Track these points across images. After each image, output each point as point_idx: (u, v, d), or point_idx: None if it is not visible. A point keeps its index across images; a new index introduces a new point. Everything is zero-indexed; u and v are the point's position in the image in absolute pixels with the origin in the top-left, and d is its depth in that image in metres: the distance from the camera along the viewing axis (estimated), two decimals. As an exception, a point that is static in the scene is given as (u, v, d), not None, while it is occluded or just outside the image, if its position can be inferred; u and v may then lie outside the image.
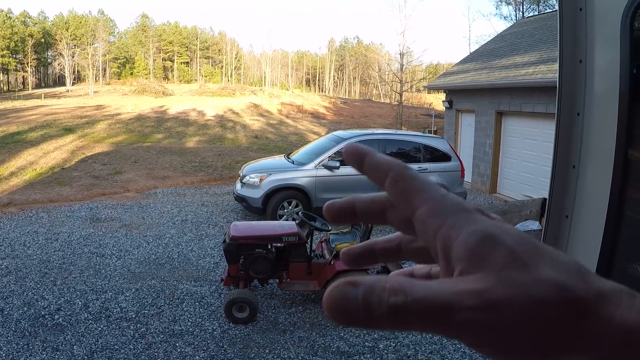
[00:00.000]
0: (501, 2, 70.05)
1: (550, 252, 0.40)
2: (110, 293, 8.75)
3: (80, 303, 8.32)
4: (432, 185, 0.46)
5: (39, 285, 9.02)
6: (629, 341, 0.37)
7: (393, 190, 0.49)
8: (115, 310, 8.10)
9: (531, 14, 49.69)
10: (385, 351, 7.36)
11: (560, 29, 1.91)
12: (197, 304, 8.42)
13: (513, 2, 67.99)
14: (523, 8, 65.24)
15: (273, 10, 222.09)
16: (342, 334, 7.61)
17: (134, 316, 7.94)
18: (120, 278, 9.46)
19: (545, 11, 42.34)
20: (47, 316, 7.84)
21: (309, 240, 8.10)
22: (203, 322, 7.80)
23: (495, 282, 0.37)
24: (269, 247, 8.03)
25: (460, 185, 14.34)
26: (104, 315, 7.92)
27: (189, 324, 7.75)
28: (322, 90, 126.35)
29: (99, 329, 7.51)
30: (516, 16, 64.32)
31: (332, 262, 7.98)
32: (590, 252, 1.95)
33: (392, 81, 55.46)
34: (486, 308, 0.36)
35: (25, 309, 8.09)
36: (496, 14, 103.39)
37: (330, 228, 8.41)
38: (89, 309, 8.11)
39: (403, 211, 0.48)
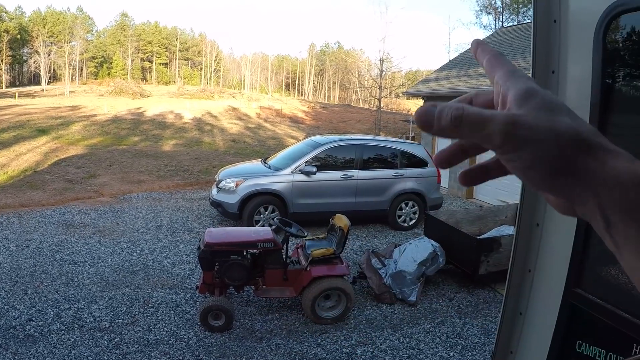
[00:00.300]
0: (481, 11, 71.06)
1: (571, 113, 0.53)
2: (83, 302, 8.62)
3: (52, 313, 8.18)
4: (507, 63, 0.61)
5: (9, 295, 8.85)
6: (615, 183, 0.49)
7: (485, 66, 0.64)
8: (88, 320, 7.98)
9: (510, 24, 50.29)
10: (363, 357, 7.37)
11: (534, 40, 1.96)
12: (172, 312, 8.34)
13: (493, 12, 68.96)
14: (503, 18, 66.26)
15: (255, 13, 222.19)
16: (319, 341, 7.62)
17: (107, 326, 7.82)
18: (93, 286, 9.33)
19: (525, 21, 43.09)
20: (18, 327, 7.68)
21: (284, 247, 8.05)
22: (178, 331, 7.72)
23: (529, 113, 0.52)
24: (245, 253, 7.95)
25: (437, 190, 14.42)
26: (77, 326, 7.79)
27: (164, 333, 7.67)
28: (302, 95, 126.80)
29: (72, 339, 7.39)
30: (496, 26, 65.38)
31: (308, 268, 7.94)
32: (560, 261, 2.01)
33: (372, 87, 55.62)
34: (518, 125, 0.51)
35: (-5, 319, 7.96)
36: (476, 23, 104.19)
37: (306, 234, 8.41)
38: (62, 319, 7.97)
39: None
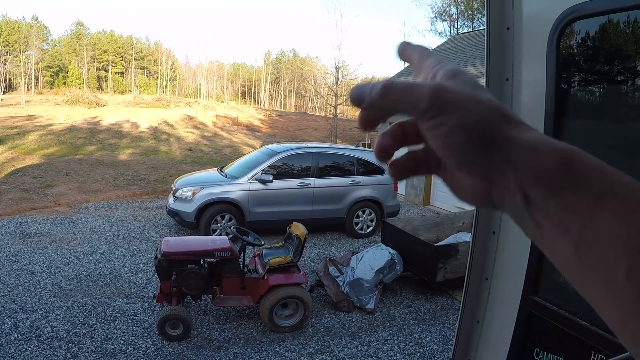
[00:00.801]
0: (436, 18, 70.88)
1: (491, 96, 0.55)
2: (41, 312, 8.55)
3: (9, 322, 8.11)
4: (436, 55, 0.63)
5: (-35, 305, 8.76)
6: (534, 150, 0.50)
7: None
8: (46, 330, 7.93)
9: (465, 31, 50.48)
10: (321, 365, 7.40)
11: (488, 47, 1.94)
12: (129, 321, 8.31)
13: (448, 19, 68.87)
14: (457, 24, 66.15)
15: (210, 21, 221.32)
16: (277, 349, 7.64)
17: (65, 335, 7.78)
18: (50, 296, 9.25)
19: (479, 28, 43.08)
20: (-26, 337, 7.62)
21: (242, 255, 8.05)
22: (136, 340, 7.70)
23: (455, 84, 0.54)
24: (202, 262, 7.97)
25: (393, 197, 14.51)
26: (34, 335, 7.74)
27: (122, 342, 7.65)
28: (258, 103, 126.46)
29: (30, 349, 7.34)
30: (450, 32, 65.14)
31: (265, 277, 7.97)
32: (517, 268, 2.00)
33: (328, 94, 55.77)
34: (444, 89, 0.52)
35: (-50, 329, 7.86)
36: (431, 29, 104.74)
37: (262, 243, 8.45)
38: (19, 329, 7.91)
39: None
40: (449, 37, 48.89)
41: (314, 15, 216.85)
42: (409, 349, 7.95)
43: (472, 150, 0.52)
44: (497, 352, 2.11)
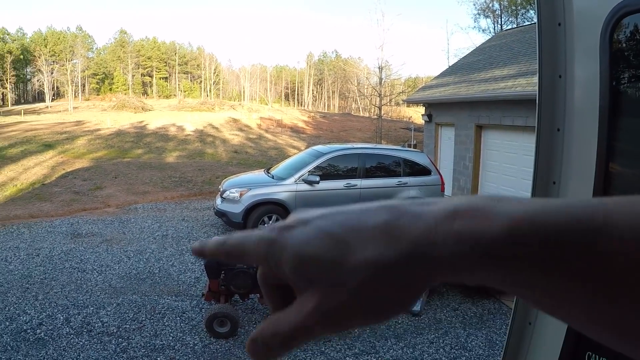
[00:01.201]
0: (479, 15, 70.13)
1: (354, 231, 0.46)
2: (92, 308, 8.73)
3: (62, 318, 8.29)
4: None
5: (20, 300, 8.99)
6: (454, 270, 0.42)
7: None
8: (96, 325, 8.08)
9: (509, 27, 49.53)
10: (366, 365, 7.40)
11: (540, 44, 1.90)
12: (178, 318, 8.41)
13: (491, 15, 67.68)
14: (501, 21, 64.92)
15: (252, 25, 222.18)
16: (322, 349, 7.62)
17: (115, 331, 7.92)
18: (101, 293, 9.43)
19: (524, 24, 42.26)
20: (29, 331, 7.82)
21: (290, 255, 8.05)
22: (184, 337, 7.79)
23: (323, 294, 0.45)
24: (250, 261, 7.97)
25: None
26: (85, 330, 7.90)
27: (170, 338, 7.75)
28: (301, 105, 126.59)
29: (81, 343, 7.49)
30: (494, 29, 63.82)
31: (313, 277, 7.95)
32: None
33: (371, 95, 55.42)
34: (330, 316, 0.45)
35: (7, 323, 8.07)
36: (474, 27, 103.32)
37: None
38: (71, 324, 8.09)
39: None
40: (493, 34, 48.18)
41: (355, 16, 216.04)
42: (454, 353, 7.85)
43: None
44: (549, 354, 2.05)
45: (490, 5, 67.23)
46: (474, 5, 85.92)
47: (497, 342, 8.06)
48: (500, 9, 65.96)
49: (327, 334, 0.48)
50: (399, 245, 0.43)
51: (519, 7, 61.54)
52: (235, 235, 0.53)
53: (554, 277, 0.40)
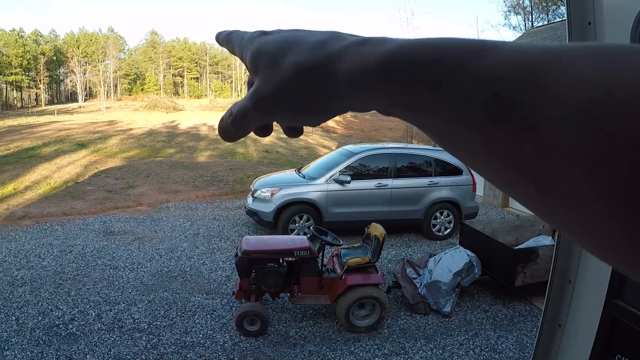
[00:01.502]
0: (510, 12, 69.19)
1: (299, 42, 0.55)
2: (123, 304, 8.84)
3: (93, 314, 8.42)
4: (239, 34, 0.68)
5: (53, 296, 9.14)
6: (352, 83, 0.48)
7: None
8: (128, 321, 8.19)
9: (540, 24, 48.99)
10: (394, 366, 7.39)
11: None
12: (208, 316, 8.48)
13: (522, 12, 67.05)
14: (532, 18, 64.35)
15: (282, 24, 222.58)
16: (352, 349, 7.64)
17: (146, 327, 8.02)
18: (133, 290, 9.53)
19: (555, 20, 41.80)
20: (61, 325, 7.95)
21: (320, 255, 8.09)
22: (214, 335, 7.85)
23: (262, 81, 0.56)
24: (281, 261, 8.00)
25: (472, 199, 14.21)
26: (117, 326, 8.01)
27: (201, 336, 7.81)
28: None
29: (112, 339, 7.60)
30: (525, 26, 63.46)
31: (343, 277, 7.96)
32: (601, 271, 1.94)
33: (404, 95, 55.31)
34: (261, 100, 0.56)
35: (40, 318, 8.22)
36: (505, 24, 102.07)
37: (341, 243, 8.39)
38: (102, 320, 8.21)
39: None
40: (523, 31, 47.70)
41: (384, 15, 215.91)
42: (484, 355, 7.80)
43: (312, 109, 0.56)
44: (578, 356, 2.05)
45: (521, 2, 66.62)
46: (504, 2, 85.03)
47: (528, 344, 8.00)
48: (531, 6, 65.22)
49: (258, 119, 0.59)
50: (319, 55, 0.52)
51: (550, 4, 60.77)
52: (237, 31, 0.69)
53: (437, 98, 0.42)
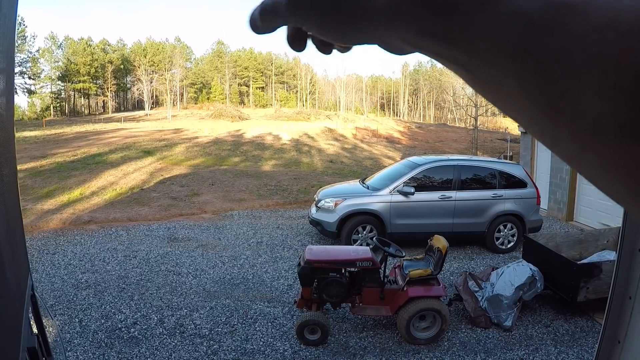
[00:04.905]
0: None
1: None
2: (185, 310, 8.95)
3: (155, 318, 8.55)
4: None
5: (116, 300, 9.32)
6: (397, 12, 0.45)
7: None
8: (189, 327, 8.29)
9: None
10: (456, 378, 7.33)
11: None
12: (269, 324, 8.52)
13: None
14: None
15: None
16: (412, 360, 7.59)
17: (207, 333, 8.10)
18: (195, 296, 9.65)
19: None
20: (123, 329, 8.10)
21: (382, 266, 8.04)
22: (275, 342, 7.88)
23: None
24: (343, 271, 7.99)
25: (536, 212, 14.01)
26: (178, 331, 8.11)
27: (261, 343, 7.84)
28: (397, 115, 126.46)
29: (173, 343, 7.70)
30: None
31: (405, 288, 7.91)
32: None
33: (467, 105, 54.95)
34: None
35: (103, 321, 8.38)
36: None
37: (404, 254, 8.35)
38: (164, 324, 8.33)
39: None
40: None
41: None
42: (545, 370, 7.70)
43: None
44: None
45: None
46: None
47: (589, 360, 7.85)
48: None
49: (285, 14, 0.55)
50: None
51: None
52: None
53: (471, 27, 0.41)
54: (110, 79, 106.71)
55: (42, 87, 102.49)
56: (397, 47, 0.50)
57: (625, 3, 0.33)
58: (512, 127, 54.41)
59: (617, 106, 0.32)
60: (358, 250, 8.49)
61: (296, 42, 0.61)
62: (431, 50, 0.46)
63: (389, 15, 0.46)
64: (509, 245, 13.64)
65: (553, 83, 0.36)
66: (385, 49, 0.52)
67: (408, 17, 0.44)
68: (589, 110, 0.34)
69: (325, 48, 0.62)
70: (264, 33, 0.62)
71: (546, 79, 0.36)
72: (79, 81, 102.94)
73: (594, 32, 0.33)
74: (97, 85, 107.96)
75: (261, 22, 0.59)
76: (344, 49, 0.62)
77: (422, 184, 13.36)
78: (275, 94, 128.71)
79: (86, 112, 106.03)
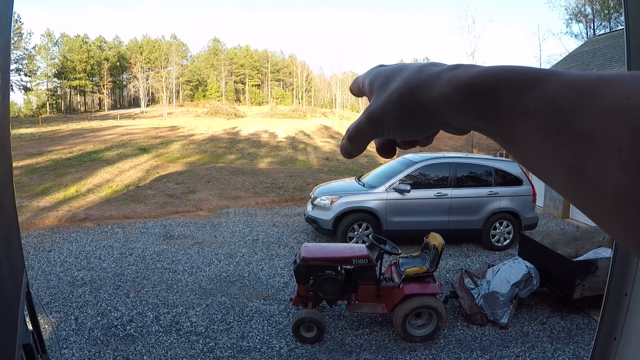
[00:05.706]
0: (571, 19, 67.94)
1: (407, 68, 0.67)
2: (181, 307, 8.97)
3: (151, 316, 8.57)
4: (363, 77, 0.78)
5: (112, 297, 9.33)
6: (446, 98, 0.58)
7: None
8: (185, 324, 8.31)
9: (602, 32, 48.01)
10: (452, 377, 7.34)
11: (628, 50, 1.82)
12: (265, 321, 8.53)
13: (584, 20, 65.65)
14: (594, 25, 63.07)
15: (343, 32, 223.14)
16: (407, 358, 7.60)
17: (203, 331, 8.11)
18: (191, 293, 9.66)
19: (617, 28, 40.98)
20: (119, 326, 8.12)
21: (378, 263, 8.06)
22: (271, 340, 7.89)
23: (374, 99, 0.68)
24: (339, 269, 8.00)
25: (532, 209, 14.02)
26: (174, 329, 8.13)
27: (257, 341, 7.86)
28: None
29: (169, 341, 7.72)
30: (587, 34, 62.10)
31: (400, 286, 7.93)
32: None
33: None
34: (372, 113, 0.67)
35: (99, 318, 8.40)
36: (567, 32, 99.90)
37: (400, 252, 8.34)
38: (160, 322, 8.35)
39: None
40: (585, 39, 46.84)
41: (446, 23, 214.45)
42: (540, 368, 7.72)
43: (420, 127, 0.65)
44: None
45: (583, 9, 65.38)
46: (566, 10, 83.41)
47: (585, 358, 7.84)
48: (593, 13, 63.87)
49: (370, 132, 0.69)
50: (421, 76, 0.62)
51: (612, 11, 59.56)
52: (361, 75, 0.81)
53: (513, 110, 0.51)
54: (107, 76, 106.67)
55: (38, 84, 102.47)
56: (456, 128, 0.65)
57: (635, 83, 0.41)
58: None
59: (631, 177, 0.39)
60: (354, 248, 8.47)
61: (386, 151, 0.76)
62: (477, 127, 0.58)
63: (448, 108, 0.58)
64: (504, 243, 13.67)
65: (580, 158, 0.43)
66: (448, 131, 0.67)
67: (463, 107, 0.56)
68: (611, 180, 0.40)
69: (410, 145, 0.74)
70: (356, 154, 0.75)
71: (575, 155, 0.44)
72: (75, 78, 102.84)
73: (609, 113, 0.41)
74: (93, 83, 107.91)
75: (351, 145, 0.73)
76: (426, 140, 0.73)
77: (418, 181, 13.40)
78: (271, 92, 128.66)
79: (82, 109, 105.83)
